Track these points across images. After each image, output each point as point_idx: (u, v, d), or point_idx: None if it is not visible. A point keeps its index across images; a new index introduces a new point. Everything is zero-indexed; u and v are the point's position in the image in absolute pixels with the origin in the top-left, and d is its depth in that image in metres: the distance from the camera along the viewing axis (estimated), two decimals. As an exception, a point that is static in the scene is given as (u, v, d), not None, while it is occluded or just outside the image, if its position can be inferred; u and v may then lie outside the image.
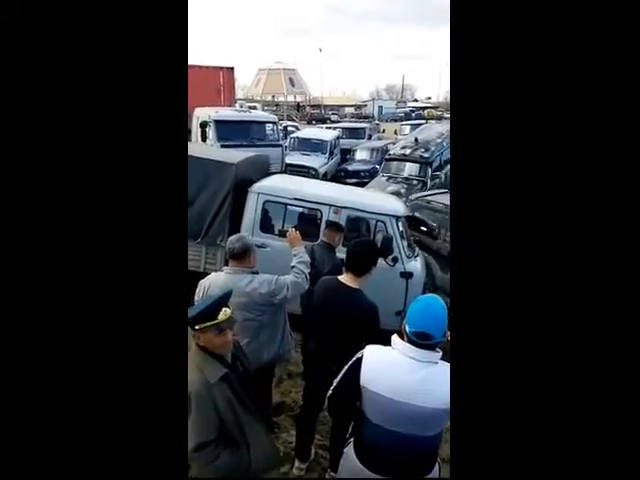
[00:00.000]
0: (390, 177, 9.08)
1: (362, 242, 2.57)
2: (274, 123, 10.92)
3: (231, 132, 9.38)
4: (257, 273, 2.57)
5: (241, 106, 19.07)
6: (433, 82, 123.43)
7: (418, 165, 8.97)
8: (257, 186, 4.50)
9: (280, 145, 10.47)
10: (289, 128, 15.16)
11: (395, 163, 9.31)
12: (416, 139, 9.48)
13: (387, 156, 9.70)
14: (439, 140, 9.65)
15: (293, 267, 2.58)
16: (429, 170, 8.82)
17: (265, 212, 4.46)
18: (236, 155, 5.07)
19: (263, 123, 10.72)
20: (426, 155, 8.97)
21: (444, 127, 11.03)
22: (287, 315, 2.75)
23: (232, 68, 17.49)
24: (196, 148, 6.44)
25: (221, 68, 15.86)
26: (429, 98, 59.10)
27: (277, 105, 38.18)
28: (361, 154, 13.40)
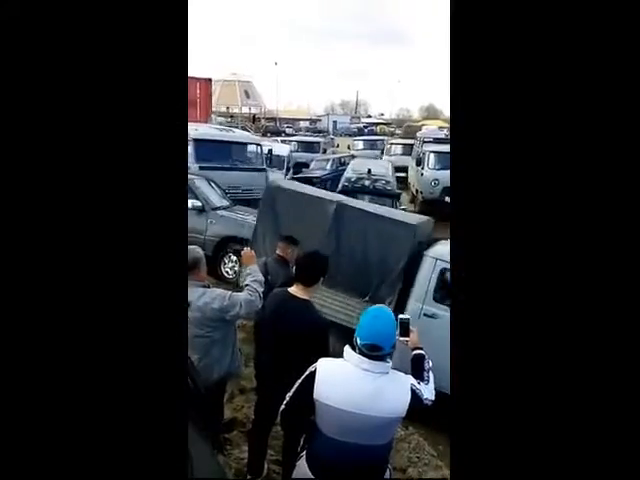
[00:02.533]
0: None
1: (310, 253, 2.61)
2: (258, 145, 10.10)
3: (211, 153, 8.63)
4: (208, 287, 2.54)
5: (221, 124, 16.91)
6: (385, 99, 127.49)
7: (382, 199, 7.95)
8: (434, 251, 4.19)
9: (264, 170, 9.63)
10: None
11: (350, 196, 8.18)
12: (369, 170, 8.73)
13: (342, 187, 8.26)
14: (390, 173, 9.29)
15: (247, 285, 2.57)
16: (398, 204, 8.12)
17: (440, 280, 4.11)
18: (413, 216, 4.97)
19: (246, 144, 9.94)
20: (389, 187, 8.35)
21: (382, 162, 10.36)
22: (236, 331, 2.74)
23: (210, 79, 16.08)
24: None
25: (197, 79, 14.34)
26: (382, 114, 60.91)
27: (232, 116, 37.88)
28: (316, 164, 13.65)
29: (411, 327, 1.91)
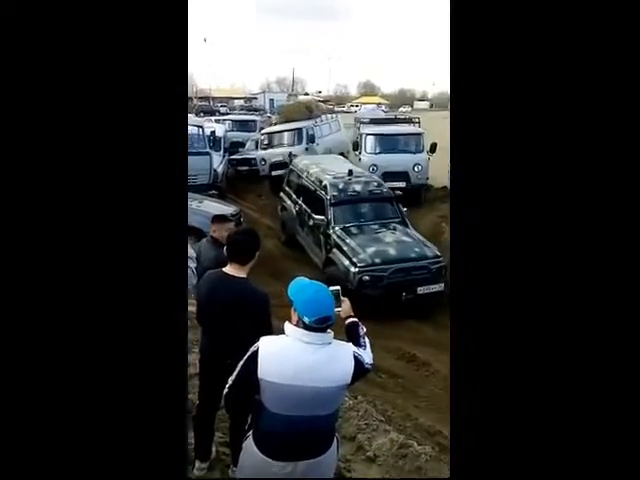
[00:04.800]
0: (358, 226, 6.64)
1: (242, 230, 2.56)
2: (199, 127, 9.57)
3: None
4: None
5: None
6: (322, 76, 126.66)
7: (382, 204, 7.10)
8: None
9: (207, 153, 9.30)
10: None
11: (347, 207, 6.92)
12: (350, 171, 7.40)
13: (334, 199, 6.87)
14: (369, 172, 8.51)
15: None
16: (400, 206, 7.11)
17: None
18: None
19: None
20: (385, 190, 7.18)
21: (349, 163, 8.64)
22: None
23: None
24: None
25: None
26: (319, 92, 60.52)
27: (162, 95, 36.13)
28: (252, 144, 13.11)
29: (342, 297, 1.93)
